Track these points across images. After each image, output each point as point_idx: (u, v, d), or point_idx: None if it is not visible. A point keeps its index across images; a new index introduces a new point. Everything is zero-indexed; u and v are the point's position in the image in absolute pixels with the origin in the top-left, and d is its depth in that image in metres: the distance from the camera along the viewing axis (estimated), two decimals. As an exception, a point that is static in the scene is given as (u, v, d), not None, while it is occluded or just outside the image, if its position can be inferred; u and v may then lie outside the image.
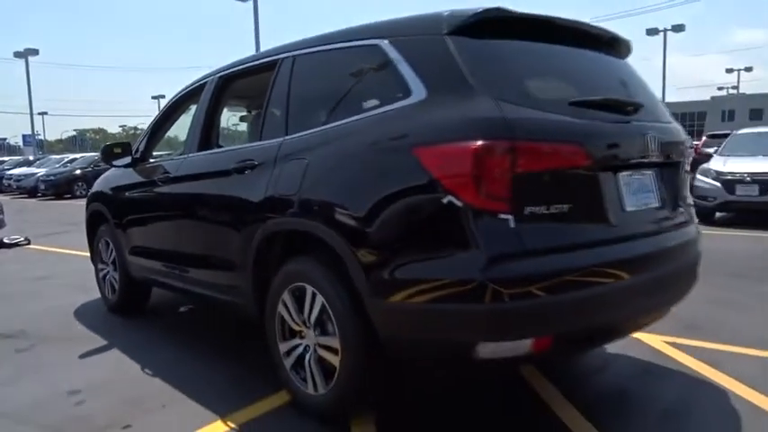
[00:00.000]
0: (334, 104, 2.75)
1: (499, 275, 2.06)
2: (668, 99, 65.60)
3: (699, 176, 9.77)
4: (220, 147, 3.74)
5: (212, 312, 4.52)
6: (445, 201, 2.12)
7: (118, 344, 3.97)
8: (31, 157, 29.78)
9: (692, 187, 9.87)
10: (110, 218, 4.59)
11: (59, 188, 19.91)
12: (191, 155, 3.69)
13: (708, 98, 67.49)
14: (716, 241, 7.99)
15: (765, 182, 8.87)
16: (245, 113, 4.69)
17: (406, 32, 2.51)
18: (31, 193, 21.04)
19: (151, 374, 3.40)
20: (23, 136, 50.47)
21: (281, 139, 2.92)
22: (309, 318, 2.67)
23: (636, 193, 2.51)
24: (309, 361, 2.70)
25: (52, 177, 20.47)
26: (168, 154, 4.43)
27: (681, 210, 2.84)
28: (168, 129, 4.38)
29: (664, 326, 3.97)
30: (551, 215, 2.16)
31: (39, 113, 62.75)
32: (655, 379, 3.22)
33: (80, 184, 19.80)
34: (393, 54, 2.47)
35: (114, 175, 4.65)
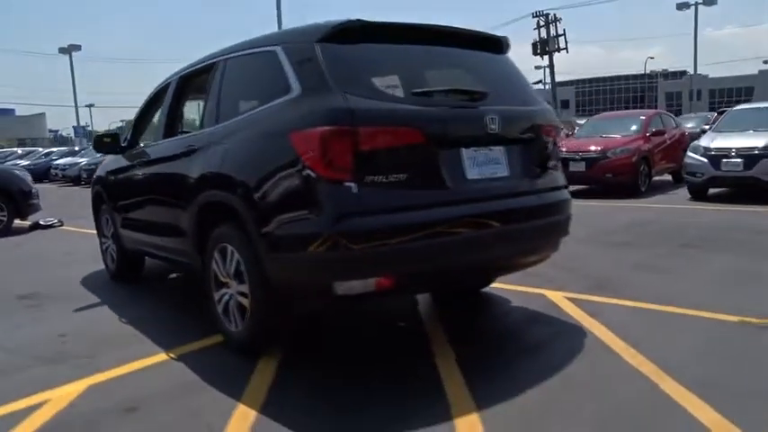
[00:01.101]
0: (246, 99, 3.41)
1: (344, 229, 2.68)
2: (716, 74, 63.43)
3: (689, 153, 10.02)
4: (181, 134, 4.44)
5: (192, 278, 5.25)
6: (305, 173, 2.74)
7: (108, 302, 4.75)
8: (77, 148, 31.53)
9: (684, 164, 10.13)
10: (106, 198, 5.38)
11: (100, 176, 21.17)
12: (158, 142, 4.41)
13: (756, 72, 65.06)
14: (688, 215, 8.34)
15: (750, 156, 9.05)
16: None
17: (292, 40, 3.13)
18: (75, 181, 22.46)
19: (125, 323, 4.16)
20: (74, 127, 53.05)
21: (213, 128, 3.59)
22: (231, 271, 3.34)
23: (481, 165, 3.07)
24: (232, 305, 3.38)
25: (93, 166, 21.82)
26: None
27: (540, 178, 3.38)
28: (150, 120, 5.10)
29: (574, 284, 4.55)
30: (389, 183, 2.76)
31: (86, 106, 65.58)
32: (535, 325, 3.78)
33: (118, 172, 20.94)
34: (282, 58, 3.10)
35: (109, 161, 5.44)
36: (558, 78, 60.79)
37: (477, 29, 3.46)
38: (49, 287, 5.36)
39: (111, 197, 5.28)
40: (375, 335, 3.78)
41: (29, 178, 10.11)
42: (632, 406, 2.59)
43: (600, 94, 72.39)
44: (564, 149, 11.21)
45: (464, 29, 3.35)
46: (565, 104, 67.33)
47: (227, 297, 3.45)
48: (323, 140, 2.68)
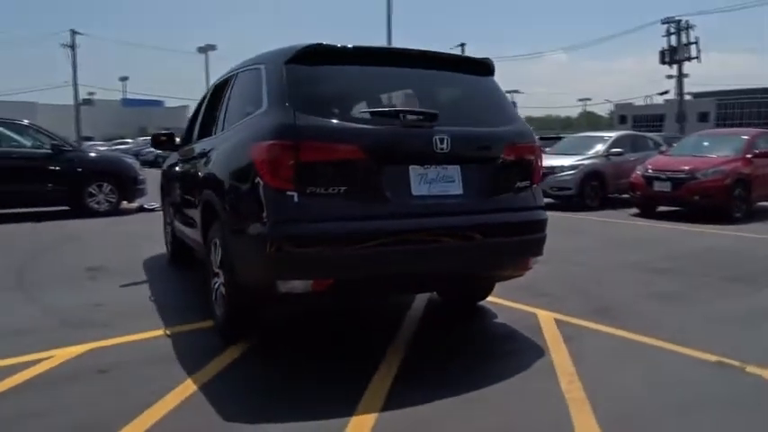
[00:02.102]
0: (240, 110, 3.80)
1: (284, 233, 2.97)
2: None
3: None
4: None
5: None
6: (257, 181, 3.07)
7: (151, 281, 5.41)
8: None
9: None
10: (166, 188, 6.08)
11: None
12: (194, 144, 4.96)
13: None
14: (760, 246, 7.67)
15: None
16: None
17: (270, 60, 3.46)
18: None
19: (152, 300, 4.74)
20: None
21: (218, 134, 4.04)
22: (218, 262, 3.75)
23: (432, 182, 3.22)
24: (218, 293, 3.79)
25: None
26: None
27: (504, 198, 3.45)
28: (198, 121, 5.69)
29: (576, 306, 4.52)
30: (329, 194, 3.00)
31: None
32: (501, 341, 3.85)
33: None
34: (262, 76, 3.45)
35: (170, 157, 6.13)
36: (697, 89, 56.32)
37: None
38: (115, 263, 6.15)
39: (167, 188, 5.97)
40: (352, 333, 4.02)
41: (137, 166, 11.40)
42: (524, 428, 2.65)
43: (745, 108, 65.96)
44: (650, 168, 10.67)
45: (429, 51, 3.51)
46: (703, 117, 62.12)
47: (216, 285, 3.87)
48: (269, 152, 3.00)
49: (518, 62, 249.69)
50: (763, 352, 3.54)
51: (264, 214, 3.03)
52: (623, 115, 69.69)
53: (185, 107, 79.12)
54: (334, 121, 3.08)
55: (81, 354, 3.52)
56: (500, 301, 4.60)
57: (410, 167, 3.18)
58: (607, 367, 3.35)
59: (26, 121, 11.00)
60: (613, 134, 13.27)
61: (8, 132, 10.38)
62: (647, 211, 10.85)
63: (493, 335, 4.01)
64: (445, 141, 3.20)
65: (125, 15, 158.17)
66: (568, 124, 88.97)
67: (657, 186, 10.39)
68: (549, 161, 12.24)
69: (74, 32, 43.75)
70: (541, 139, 21.01)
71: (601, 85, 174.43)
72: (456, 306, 4.56)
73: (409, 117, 3.22)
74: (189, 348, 3.61)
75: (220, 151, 3.74)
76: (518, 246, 3.49)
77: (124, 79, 70.12)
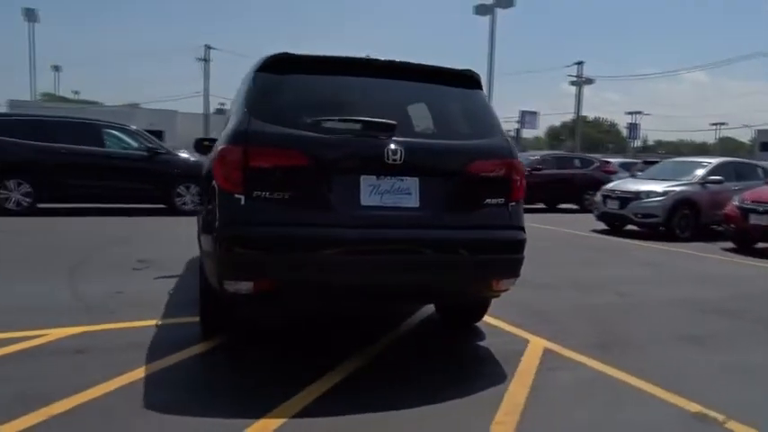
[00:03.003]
0: (231, 115, 3.96)
1: (229, 235, 3.07)
2: None
3: None
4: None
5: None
6: (213, 183, 3.20)
7: (182, 275, 5.75)
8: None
9: None
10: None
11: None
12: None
13: None
14: None
15: None
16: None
17: (252, 68, 3.59)
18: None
19: (170, 293, 5.04)
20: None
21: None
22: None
23: (384, 193, 3.16)
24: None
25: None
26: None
27: (469, 214, 3.31)
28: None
29: (579, 338, 4.26)
30: (275, 199, 3.05)
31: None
32: (474, 363, 3.71)
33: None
34: (248, 82, 3.58)
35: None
36: None
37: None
38: (164, 257, 6.60)
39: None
40: (331, 339, 4.02)
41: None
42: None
43: None
44: (747, 199, 9.67)
45: (402, 62, 3.45)
46: None
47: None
48: (221, 156, 3.13)
49: (649, 81, 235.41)
50: (759, 410, 3.10)
51: (216, 216, 3.15)
52: (765, 142, 63.35)
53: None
54: (286, 128, 3.13)
55: (72, 334, 3.83)
56: (499, 324, 4.41)
57: (361, 177, 3.16)
58: (563, 404, 3.09)
59: (134, 126, 12.17)
60: (714, 160, 12.13)
61: (120, 135, 11.48)
62: (744, 247, 9.82)
63: (467, 356, 3.83)
64: (398, 153, 3.14)
65: (247, 30, 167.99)
66: (703, 150, 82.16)
67: (753, 219, 9.37)
68: (634, 186, 11.51)
69: (207, 47, 47.54)
70: (645, 163, 19.69)
71: (740, 108, 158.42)
72: (448, 324, 4.42)
73: (363, 127, 3.20)
74: (167, 339, 3.81)
75: (209, 155, 3.94)
76: (481, 265, 3.32)
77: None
